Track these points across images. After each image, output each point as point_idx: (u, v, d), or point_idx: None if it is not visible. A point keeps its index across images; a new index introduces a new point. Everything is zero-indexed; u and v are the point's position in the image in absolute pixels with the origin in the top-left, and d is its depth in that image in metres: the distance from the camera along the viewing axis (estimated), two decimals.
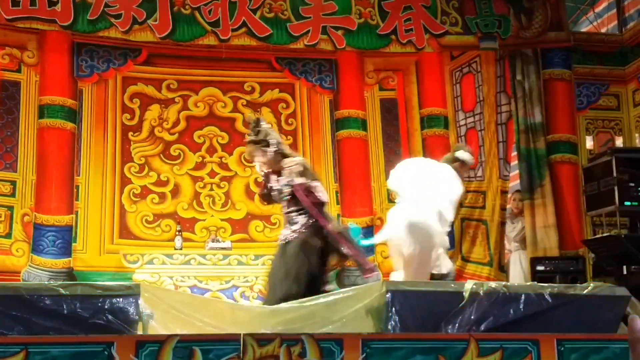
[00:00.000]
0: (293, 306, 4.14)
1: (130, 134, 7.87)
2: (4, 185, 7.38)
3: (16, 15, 7.27)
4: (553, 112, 8.16)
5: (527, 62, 8.23)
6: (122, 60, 7.87)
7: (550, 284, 4.34)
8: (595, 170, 7.65)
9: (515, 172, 8.49)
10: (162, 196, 7.82)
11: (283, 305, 4.19)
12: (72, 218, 7.45)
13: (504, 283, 4.17)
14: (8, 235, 7.32)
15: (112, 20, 7.49)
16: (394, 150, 8.39)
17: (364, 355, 3.41)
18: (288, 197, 5.02)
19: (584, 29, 9.74)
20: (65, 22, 7.37)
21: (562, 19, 8.30)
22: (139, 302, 3.71)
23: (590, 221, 8.07)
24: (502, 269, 8.04)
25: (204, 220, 7.86)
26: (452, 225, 8.14)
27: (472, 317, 3.85)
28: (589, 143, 8.47)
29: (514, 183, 8.62)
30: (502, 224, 8.15)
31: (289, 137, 8.23)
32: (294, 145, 8.21)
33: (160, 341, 3.32)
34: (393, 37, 8.05)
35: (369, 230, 7.99)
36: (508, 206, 8.28)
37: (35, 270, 7.16)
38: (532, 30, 8.17)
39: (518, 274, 7.83)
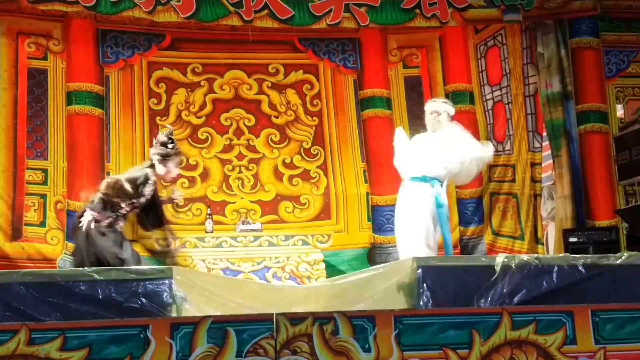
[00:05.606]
0: (325, 285, 4.16)
1: (157, 118, 7.91)
2: (36, 173, 7.46)
3: None
4: (582, 81, 7.99)
5: (546, 31, 8.07)
6: (147, 45, 7.92)
7: (583, 255, 4.31)
8: (627, 138, 7.54)
9: (546, 143, 8.37)
10: (192, 180, 7.86)
11: (314, 284, 4.22)
12: None
13: (535, 256, 4.16)
14: (42, 224, 7.41)
15: (136, 0, 7.43)
16: (420, 129, 8.32)
17: (397, 331, 3.42)
18: None
19: None
20: (89, 4, 7.28)
21: None
22: (172, 285, 3.76)
23: (623, 191, 7.95)
24: (539, 242, 7.96)
25: (233, 202, 7.90)
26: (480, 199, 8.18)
27: (505, 290, 3.85)
28: (620, 111, 8.31)
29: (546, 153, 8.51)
30: (535, 196, 8.04)
31: (315, 118, 8.22)
32: (319, 126, 8.22)
33: (195, 323, 3.36)
34: (417, 11, 7.89)
35: None
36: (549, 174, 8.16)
37: (70, 258, 7.24)
38: (556, 0, 8.01)
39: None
